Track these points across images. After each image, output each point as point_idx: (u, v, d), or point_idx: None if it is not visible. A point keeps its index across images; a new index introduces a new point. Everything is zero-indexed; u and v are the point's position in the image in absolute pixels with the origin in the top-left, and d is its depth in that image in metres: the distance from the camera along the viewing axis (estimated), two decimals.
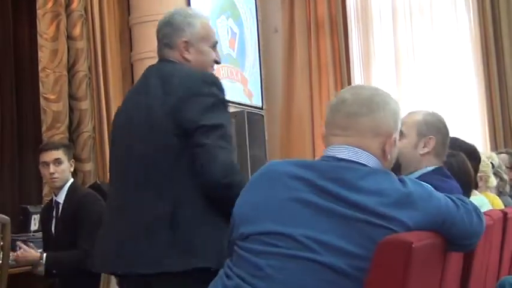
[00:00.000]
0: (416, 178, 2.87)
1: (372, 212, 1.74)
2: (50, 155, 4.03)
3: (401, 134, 2.94)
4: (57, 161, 4.02)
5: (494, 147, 6.76)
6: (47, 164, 4.02)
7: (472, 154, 3.71)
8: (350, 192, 1.78)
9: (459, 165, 3.40)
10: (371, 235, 1.71)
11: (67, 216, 3.96)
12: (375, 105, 1.94)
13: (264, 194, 1.88)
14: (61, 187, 4.04)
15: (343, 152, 1.90)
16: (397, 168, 3.00)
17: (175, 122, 2.38)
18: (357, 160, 1.90)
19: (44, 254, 3.85)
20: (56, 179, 4.01)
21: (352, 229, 1.73)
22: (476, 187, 3.87)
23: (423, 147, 2.90)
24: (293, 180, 1.84)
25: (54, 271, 3.91)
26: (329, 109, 1.99)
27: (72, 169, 4.15)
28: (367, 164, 1.90)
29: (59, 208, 4.02)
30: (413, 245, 1.62)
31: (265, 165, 1.99)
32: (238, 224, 1.90)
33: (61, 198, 4.02)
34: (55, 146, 4.13)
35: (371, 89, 2.03)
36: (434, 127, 2.96)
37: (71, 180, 4.10)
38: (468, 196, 3.49)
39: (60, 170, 4.01)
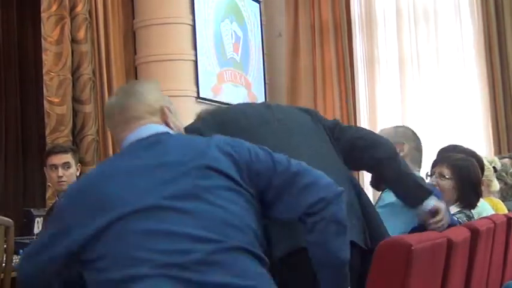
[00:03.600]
0: None
1: None
2: (59, 158, 4.04)
3: None
4: (66, 165, 4.02)
5: (498, 151, 6.74)
6: (55, 167, 4.02)
7: (475, 160, 3.76)
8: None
9: (475, 171, 3.49)
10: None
11: None
12: (138, 94, 2.26)
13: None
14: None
15: (144, 131, 2.17)
16: (377, 179, 3.07)
17: None
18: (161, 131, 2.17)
19: None
20: (63, 183, 4.00)
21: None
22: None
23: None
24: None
25: None
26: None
27: (78, 173, 4.15)
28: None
29: None
30: (412, 247, 1.61)
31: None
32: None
33: None
34: (64, 150, 4.14)
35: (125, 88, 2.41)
36: (404, 135, 3.17)
37: None
38: (477, 202, 3.52)
39: (68, 174, 4.01)
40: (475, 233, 2.53)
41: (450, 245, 2.08)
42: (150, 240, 1.92)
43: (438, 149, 4.09)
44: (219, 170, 1.98)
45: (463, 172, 3.42)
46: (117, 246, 1.95)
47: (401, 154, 2.99)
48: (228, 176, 1.98)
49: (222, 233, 1.90)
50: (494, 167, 4.30)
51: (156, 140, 2.13)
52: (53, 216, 2.23)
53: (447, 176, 3.42)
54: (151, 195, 1.95)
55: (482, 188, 4.02)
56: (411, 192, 2.69)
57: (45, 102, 5.66)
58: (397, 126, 3.27)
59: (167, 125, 2.22)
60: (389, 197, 2.88)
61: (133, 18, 6.84)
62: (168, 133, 2.17)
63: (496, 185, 4.27)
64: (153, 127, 2.18)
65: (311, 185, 2.03)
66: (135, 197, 1.96)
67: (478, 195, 3.52)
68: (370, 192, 7.69)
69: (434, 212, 2.63)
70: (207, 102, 6.83)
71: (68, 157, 4.04)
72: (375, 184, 3.18)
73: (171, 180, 1.97)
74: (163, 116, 2.22)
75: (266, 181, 2.04)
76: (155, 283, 1.86)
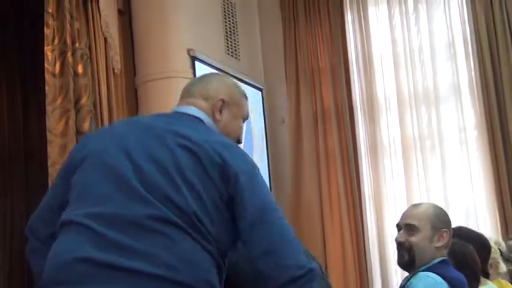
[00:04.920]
0: (427, 270, 2.89)
1: None
2: None
3: (413, 227, 3.00)
4: None
5: (505, 233, 6.68)
6: None
7: (480, 242, 3.75)
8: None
9: (471, 256, 3.46)
10: None
11: None
12: (207, 79, 2.52)
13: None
14: None
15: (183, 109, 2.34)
16: (411, 260, 3.00)
17: None
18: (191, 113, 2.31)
19: None
20: None
21: None
22: (487, 276, 3.86)
23: (438, 240, 3.02)
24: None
25: None
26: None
27: None
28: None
29: None
30: None
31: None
32: None
33: None
34: None
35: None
36: (446, 220, 3.10)
37: None
38: (477, 286, 3.48)
39: None
40: None
41: None
42: (98, 181, 2.05)
43: None
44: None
45: (459, 257, 3.40)
46: (80, 180, 2.15)
47: (441, 243, 3.00)
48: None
49: (161, 203, 1.94)
50: (499, 249, 4.27)
51: (175, 115, 2.28)
52: None
53: None
54: (127, 144, 2.07)
55: (491, 271, 3.98)
56: None
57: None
58: (437, 208, 3.16)
59: (214, 114, 2.33)
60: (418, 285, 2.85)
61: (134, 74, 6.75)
62: (197, 119, 2.26)
63: (503, 267, 4.23)
64: (192, 109, 2.30)
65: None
66: (115, 140, 2.11)
67: (477, 279, 3.49)
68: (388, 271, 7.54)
69: None
70: None
71: None
72: (405, 265, 3.11)
73: (150, 145, 2.07)
74: (214, 105, 2.36)
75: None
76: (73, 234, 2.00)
